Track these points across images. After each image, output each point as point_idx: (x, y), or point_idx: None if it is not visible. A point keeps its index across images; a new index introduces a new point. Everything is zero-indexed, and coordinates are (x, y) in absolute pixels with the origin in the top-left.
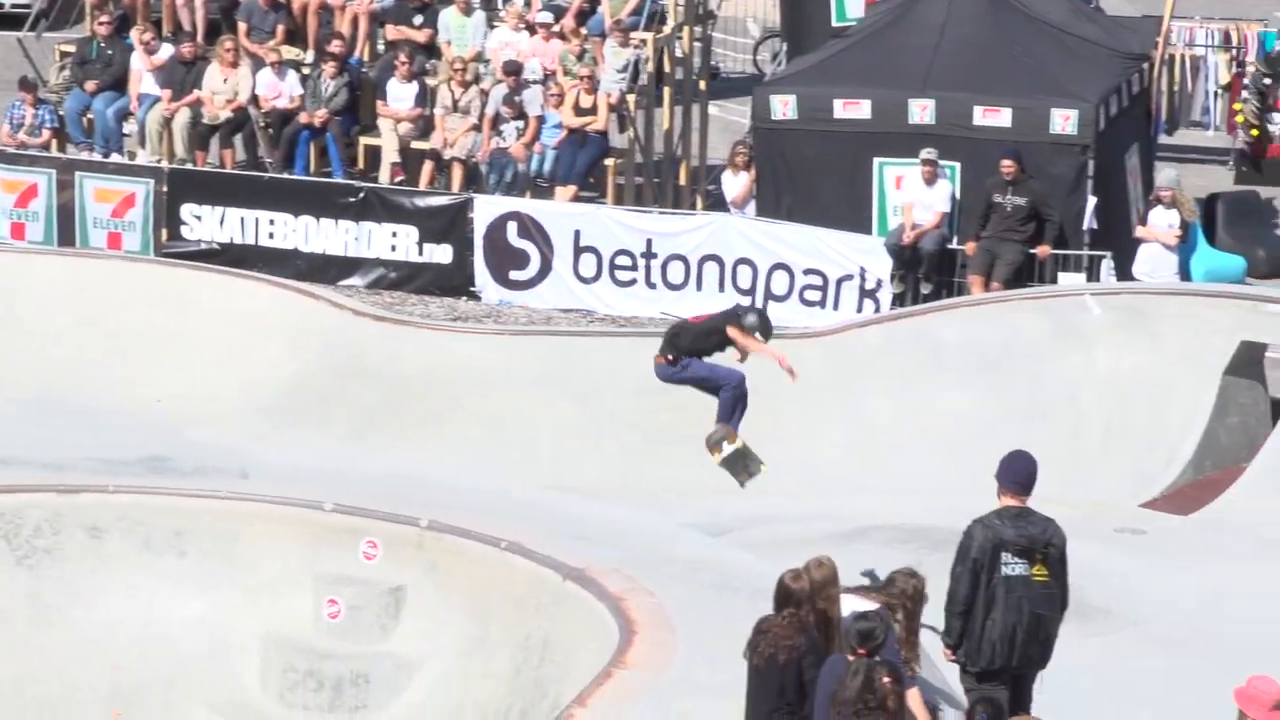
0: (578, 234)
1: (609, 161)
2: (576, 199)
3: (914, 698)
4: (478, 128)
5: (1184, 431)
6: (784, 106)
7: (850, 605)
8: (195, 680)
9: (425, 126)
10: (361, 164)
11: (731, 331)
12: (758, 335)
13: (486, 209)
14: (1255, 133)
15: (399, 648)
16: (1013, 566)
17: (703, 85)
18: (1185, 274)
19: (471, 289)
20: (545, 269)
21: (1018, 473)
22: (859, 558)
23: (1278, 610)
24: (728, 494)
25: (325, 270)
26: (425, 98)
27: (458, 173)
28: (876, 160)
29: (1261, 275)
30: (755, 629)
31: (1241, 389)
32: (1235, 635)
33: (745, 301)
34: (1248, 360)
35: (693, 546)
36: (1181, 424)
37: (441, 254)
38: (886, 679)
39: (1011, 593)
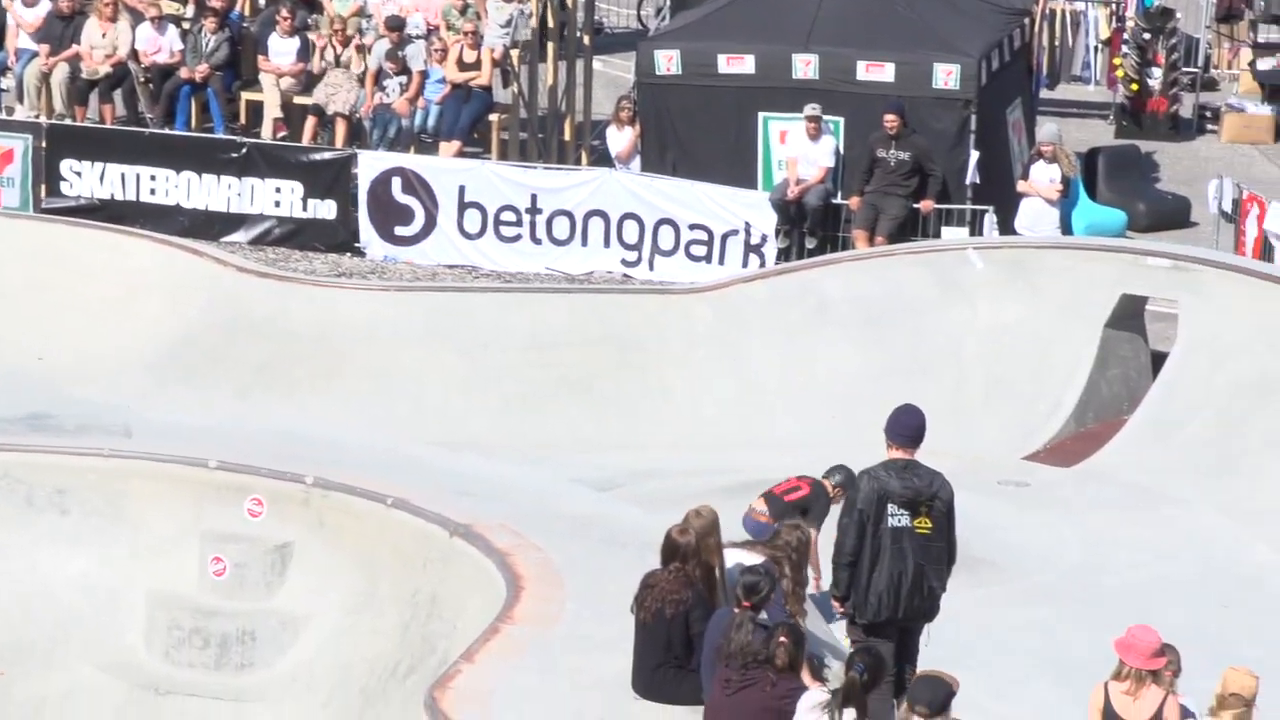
0: (462, 190)
1: (493, 117)
2: (461, 155)
3: None
4: (361, 83)
5: (1066, 384)
6: (668, 62)
7: (736, 559)
8: (80, 638)
9: (308, 82)
10: (243, 119)
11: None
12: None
13: (371, 165)
14: (1135, 87)
15: (285, 605)
16: (897, 518)
17: (587, 40)
18: (1066, 228)
19: (356, 245)
20: (430, 225)
21: (905, 426)
22: (743, 512)
23: (1157, 560)
24: (615, 449)
25: (208, 226)
26: (308, 53)
27: (341, 128)
28: (761, 115)
29: (1141, 229)
30: (642, 583)
31: (1122, 342)
32: (1116, 585)
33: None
34: (1128, 313)
35: (580, 502)
36: (1063, 377)
37: (326, 210)
38: (784, 638)
39: (896, 544)
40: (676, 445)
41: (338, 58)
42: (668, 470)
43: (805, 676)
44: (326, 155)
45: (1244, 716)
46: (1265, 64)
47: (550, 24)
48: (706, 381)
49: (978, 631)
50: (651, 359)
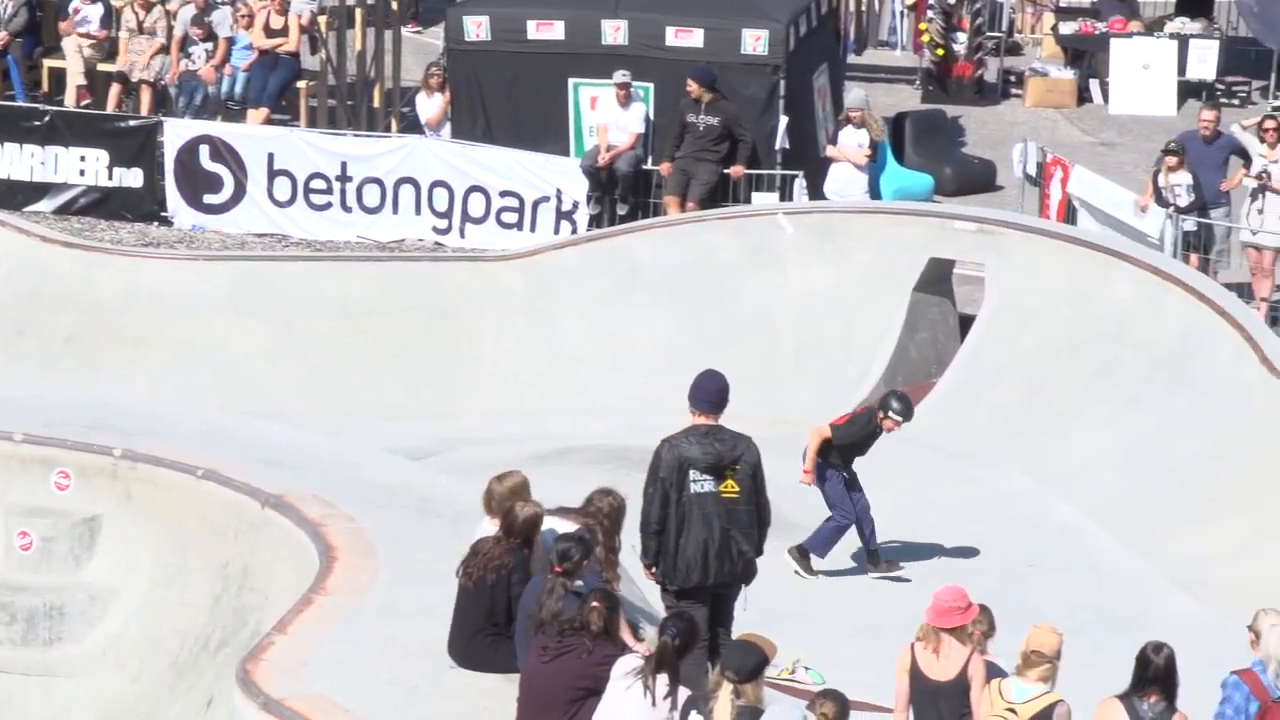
0: (271, 157)
1: (301, 84)
2: (269, 122)
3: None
4: (166, 50)
5: (875, 348)
6: (477, 28)
7: (551, 526)
8: None
9: (111, 48)
10: (46, 87)
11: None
12: (898, 419)
13: (177, 132)
14: (940, 52)
15: (94, 578)
16: (701, 484)
17: (395, 6)
18: (875, 192)
19: (163, 214)
20: (239, 193)
21: (706, 391)
22: (559, 479)
23: (965, 521)
24: (427, 418)
25: (11, 196)
26: (111, 19)
27: (146, 96)
28: (571, 81)
29: (948, 193)
30: (470, 549)
31: (930, 305)
32: (926, 547)
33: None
34: (936, 277)
35: (392, 471)
36: (872, 340)
37: (132, 178)
38: (596, 603)
39: (701, 509)
40: (489, 413)
41: (141, 24)
42: (480, 438)
43: (630, 641)
44: (132, 123)
45: (1049, 673)
46: (1067, 28)
47: None
48: (519, 349)
49: (791, 595)
50: (463, 327)
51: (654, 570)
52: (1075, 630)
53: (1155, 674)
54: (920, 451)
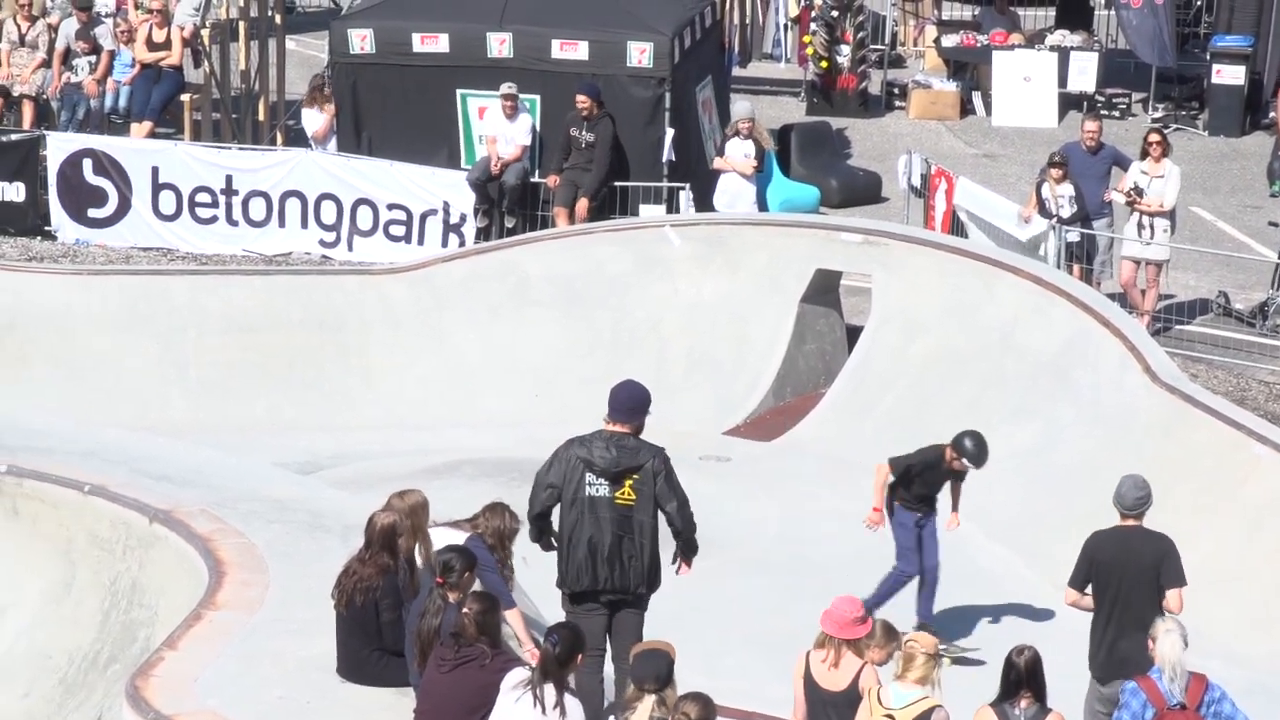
0: (156, 171)
1: (185, 97)
2: (153, 135)
3: (515, 619)
4: (48, 63)
5: (764, 359)
6: (362, 41)
7: (444, 539)
8: None
9: None
10: None
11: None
12: (967, 463)
13: (60, 146)
14: (824, 64)
15: None
16: (596, 487)
17: (279, 19)
18: (762, 204)
19: (47, 228)
20: (124, 207)
21: (616, 398)
22: (450, 492)
23: (856, 530)
24: (316, 431)
25: None
26: None
27: (28, 110)
28: (459, 92)
29: (834, 205)
30: (343, 570)
31: (818, 316)
32: (819, 557)
33: None
34: (824, 288)
35: (282, 485)
36: (762, 352)
37: (14, 192)
38: (469, 607)
39: (593, 513)
40: (379, 426)
41: (23, 37)
42: (371, 452)
43: (528, 649)
44: (14, 137)
45: (927, 677)
46: (949, 41)
47: (241, 3)
48: (409, 362)
49: (684, 605)
50: (352, 340)
51: (540, 542)
52: (964, 636)
53: (1021, 677)
54: (810, 462)
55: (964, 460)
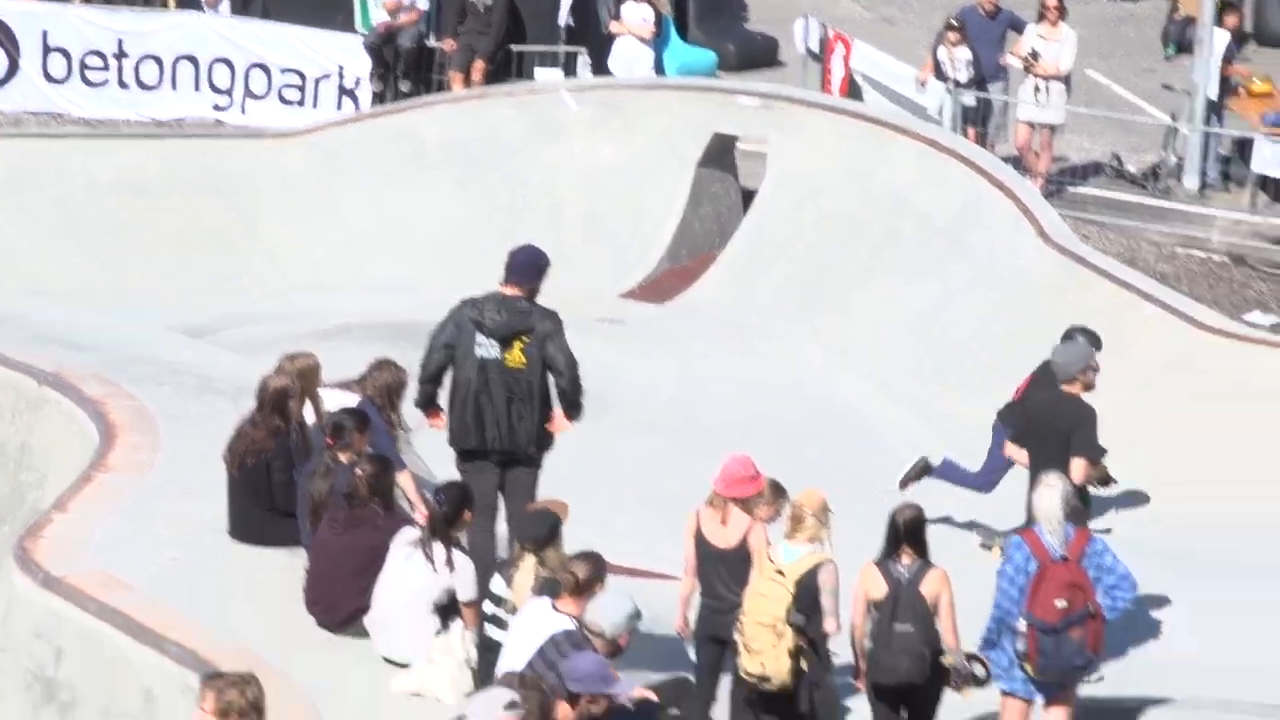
0: (45, 34)
1: None
2: None
3: (406, 481)
4: None
5: (660, 222)
6: None
7: (336, 401)
8: None
9: None
10: None
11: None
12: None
13: None
14: None
15: None
16: (486, 348)
17: None
18: (660, 68)
19: None
20: (13, 70)
21: (513, 261)
22: (342, 354)
23: (751, 393)
24: (209, 295)
25: None
26: None
27: None
28: None
29: (731, 68)
30: (234, 431)
31: (714, 180)
32: (713, 418)
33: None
34: (719, 151)
35: (174, 349)
36: (658, 215)
37: None
38: (361, 469)
39: (483, 374)
40: (272, 291)
41: None
42: (263, 315)
43: (420, 509)
44: None
45: (816, 534)
46: None
47: None
48: (303, 226)
49: (579, 466)
50: (245, 204)
51: (425, 411)
52: (859, 497)
53: (903, 534)
54: (706, 324)
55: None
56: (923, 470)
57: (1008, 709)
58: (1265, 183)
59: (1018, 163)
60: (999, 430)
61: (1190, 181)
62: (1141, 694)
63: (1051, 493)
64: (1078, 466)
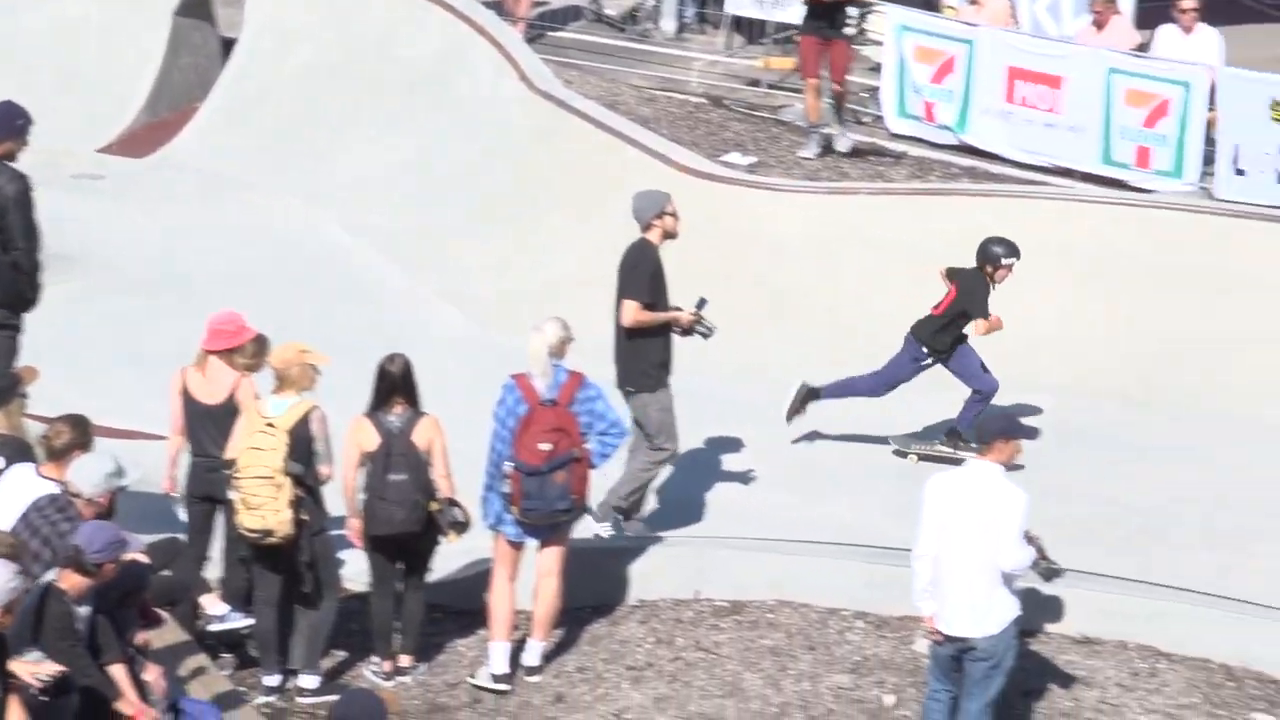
0: None
1: None
2: None
3: None
4: None
5: (137, 75)
6: None
7: None
8: None
9: None
10: None
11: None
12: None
13: None
14: None
15: None
16: None
17: None
18: None
19: None
20: None
21: None
22: None
23: (236, 246)
24: None
25: None
26: None
27: None
28: None
29: None
30: None
31: (192, 30)
32: (198, 274)
33: None
34: (198, 1)
35: None
36: (134, 67)
37: None
38: None
39: None
40: None
41: None
42: None
43: None
44: None
45: (302, 383)
46: None
47: None
48: None
49: (62, 327)
50: None
51: None
52: (348, 348)
53: (393, 384)
54: (187, 177)
55: (1006, 263)
56: (806, 396)
57: (499, 551)
58: (739, 24)
59: (499, 8)
60: (911, 342)
61: (668, 25)
62: None
63: (539, 336)
64: (629, 309)
